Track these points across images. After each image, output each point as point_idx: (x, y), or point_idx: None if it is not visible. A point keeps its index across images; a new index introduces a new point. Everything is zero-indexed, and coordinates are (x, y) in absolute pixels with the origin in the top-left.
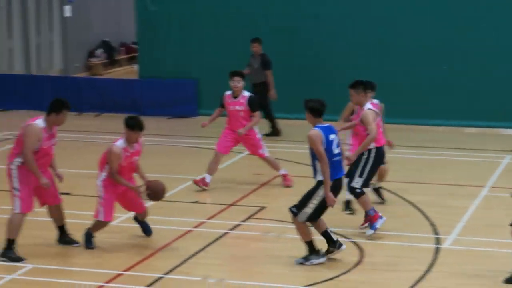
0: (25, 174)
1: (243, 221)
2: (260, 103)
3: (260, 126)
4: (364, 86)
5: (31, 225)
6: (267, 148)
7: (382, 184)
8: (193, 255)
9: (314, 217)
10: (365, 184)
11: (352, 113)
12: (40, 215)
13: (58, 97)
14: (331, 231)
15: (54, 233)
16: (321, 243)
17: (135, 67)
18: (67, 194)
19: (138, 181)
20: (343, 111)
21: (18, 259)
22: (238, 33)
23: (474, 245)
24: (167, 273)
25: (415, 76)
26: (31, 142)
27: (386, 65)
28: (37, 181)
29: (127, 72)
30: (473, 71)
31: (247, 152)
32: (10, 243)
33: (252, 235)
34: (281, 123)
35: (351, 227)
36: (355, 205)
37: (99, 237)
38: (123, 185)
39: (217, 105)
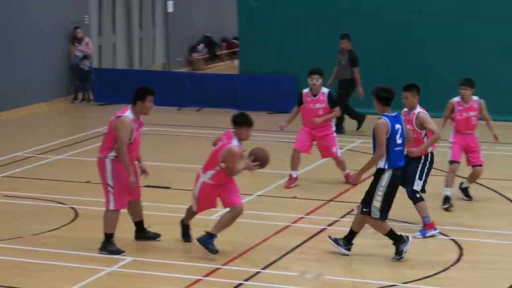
0: (119, 170)
1: (342, 217)
2: (341, 99)
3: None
4: (417, 89)
5: (129, 217)
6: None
7: (470, 184)
8: (291, 251)
9: (386, 207)
10: (424, 187)
11: (453, 110)
12: None
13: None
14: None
15: (153, 227)
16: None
17: (236, 62)
18: (167, 188)
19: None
20: (445, 109)
21: (118, 252)
22: (338, 29)
23: None
24: (264, 268)
25: None
26: (126, 135)
27: (488, 61)
28: (127, 177)
29: (228, 67)
30: None
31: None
32: (109, 236)
33: None
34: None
35: (450, 225)
36: (453, 201)
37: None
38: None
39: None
